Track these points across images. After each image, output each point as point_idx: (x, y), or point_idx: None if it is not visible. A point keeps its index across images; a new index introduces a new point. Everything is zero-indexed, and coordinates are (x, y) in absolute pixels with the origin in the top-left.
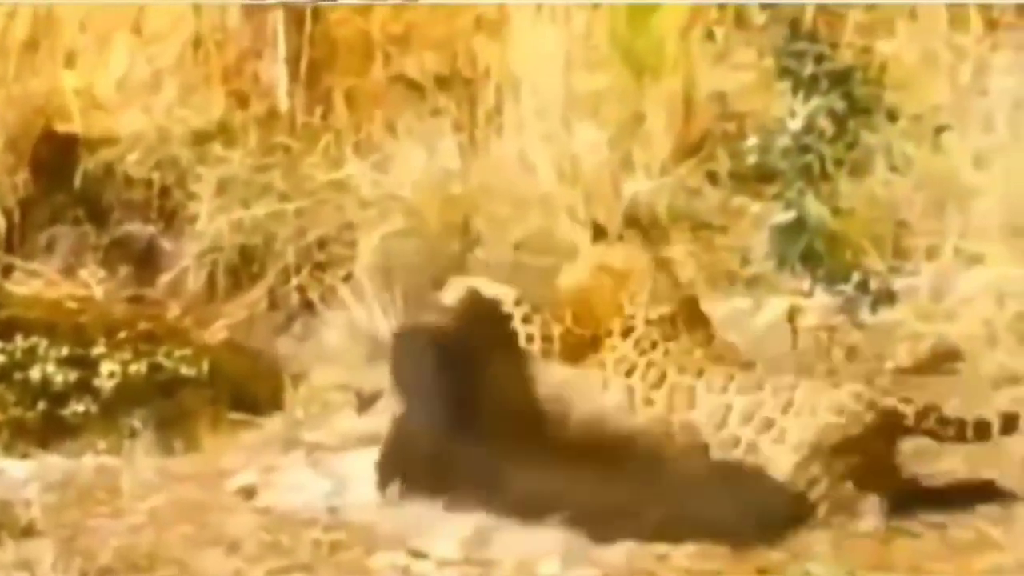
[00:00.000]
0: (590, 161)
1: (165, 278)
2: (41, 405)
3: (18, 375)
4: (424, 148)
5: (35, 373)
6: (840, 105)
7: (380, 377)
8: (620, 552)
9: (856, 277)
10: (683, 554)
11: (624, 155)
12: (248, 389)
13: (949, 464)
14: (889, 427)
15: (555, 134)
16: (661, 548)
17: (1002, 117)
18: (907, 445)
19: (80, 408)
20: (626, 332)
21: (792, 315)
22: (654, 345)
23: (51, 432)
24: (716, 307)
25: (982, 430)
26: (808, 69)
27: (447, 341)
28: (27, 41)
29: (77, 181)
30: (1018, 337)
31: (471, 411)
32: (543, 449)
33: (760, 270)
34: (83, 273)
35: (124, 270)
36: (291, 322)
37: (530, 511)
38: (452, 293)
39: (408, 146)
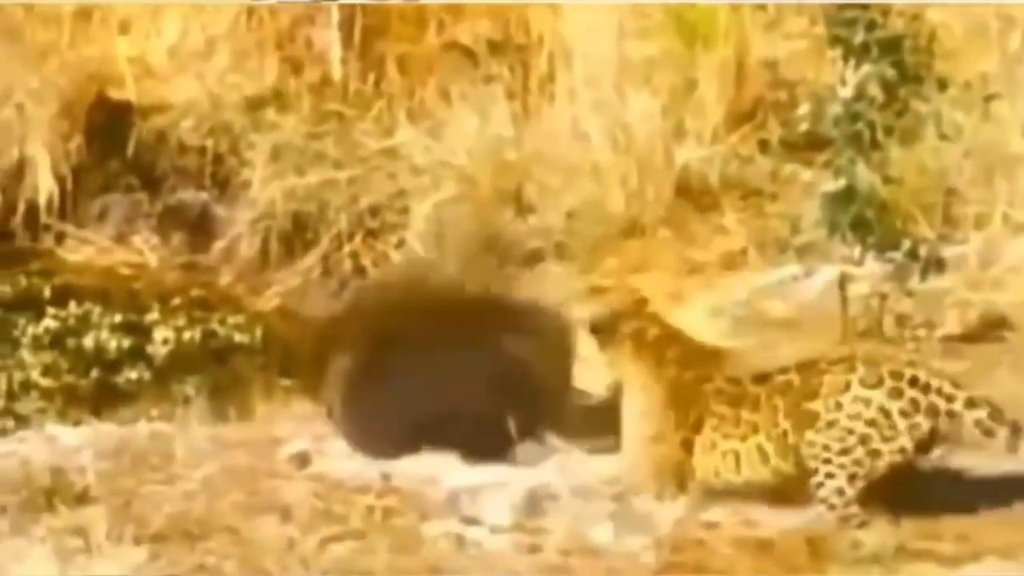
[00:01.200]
0: (642, 129)
1: (218, 245)
2: (95, 372)
3: (71, 342)
4: (477, 115)
5: (88, 340)
6: (890, 73)
7: None
8: (669, 519)
9: (906, 245)
10: (734, 522)
11: (676, 123)
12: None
13: None
14: None
15: (607, 102)
16: (711, 516)
17: None
18: None
19: (133, 375)
20: None
21: (843, 282)
22: None
23: (104, 399)
24: (767, 274)
25: None
26: (859, 37)
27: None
28: (81, 9)
29: (130, 148)
30: None
31: None
32: None
33: (811, 238)
34: (136, 240)
35: (177, 237)
36: (344, 289)
37: None
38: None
39: (461, 113)
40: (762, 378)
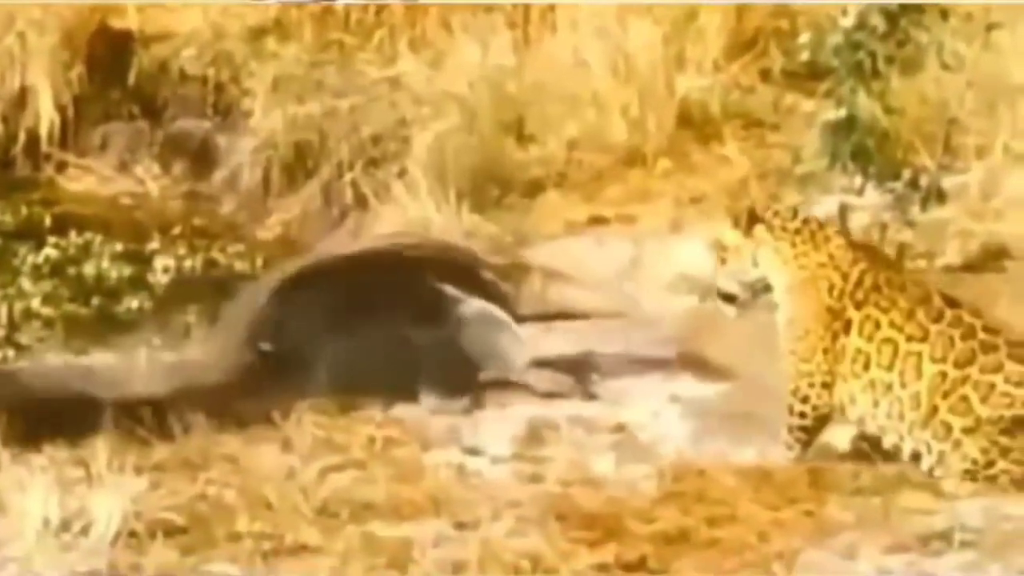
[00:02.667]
0: (643, 58)
1: (219, 174)
2: (95, 301)
3: (72, 270)
4: (478, 45)
5: (89, 269)
6: (892, 2)
7: None
8: (670, 451)
9: (906, 175)
10: (741, 457)
11: (677, 52)
12: None
13: None
14: None
15: (609, 31)
16: (716, 446)
17: None
18: None
19: (135, 304)
20: None
21: (843, 212)
22: None
23: (106, 328)
24: (768, 205)
25: None
26: None
27: None
28: None
29: (132, 77)
30: None
31: None
32: None
33: (812, 168)
34: (138, 169)
35: (179, 166)
36: (344, 218)
37: None
38: None
39: (462, 42)
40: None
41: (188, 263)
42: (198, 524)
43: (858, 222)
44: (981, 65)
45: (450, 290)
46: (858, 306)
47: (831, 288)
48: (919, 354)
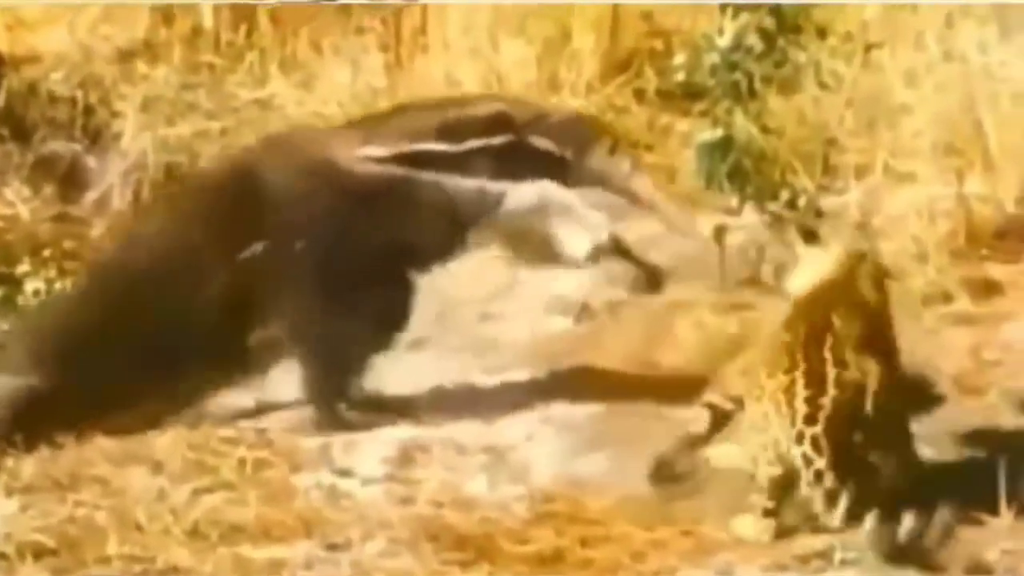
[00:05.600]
0: (517, 79)
1: (90, 196)
2: None
3: None
4: (349, 66)
5: None
6: (769, 22)
7: None
8: (545, 474)
9: (784, 195)
10: (607, 473)
11: (551, 73)
12: None
13: None
14: None
15: (481, 52)
16: (590, 467)
17: (933, 34)
18: None
19: (5, 326)
20: None
21: (719, 233)
22: None
23: None
24: (642, 225)
25: None
26: None
27: None
28: None
29: (1, 99)
30: (948, 255)
31: None
32: None
33: (687, 188)
34: (7, 192)
35: (49, 188)
36: None
37: None
38: None
39: (333, 64)
40: None
41: (58, 285)
42: (68, 546)
43: (735, 241)
44: (861, 84)
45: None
46: None
47: None
48: None
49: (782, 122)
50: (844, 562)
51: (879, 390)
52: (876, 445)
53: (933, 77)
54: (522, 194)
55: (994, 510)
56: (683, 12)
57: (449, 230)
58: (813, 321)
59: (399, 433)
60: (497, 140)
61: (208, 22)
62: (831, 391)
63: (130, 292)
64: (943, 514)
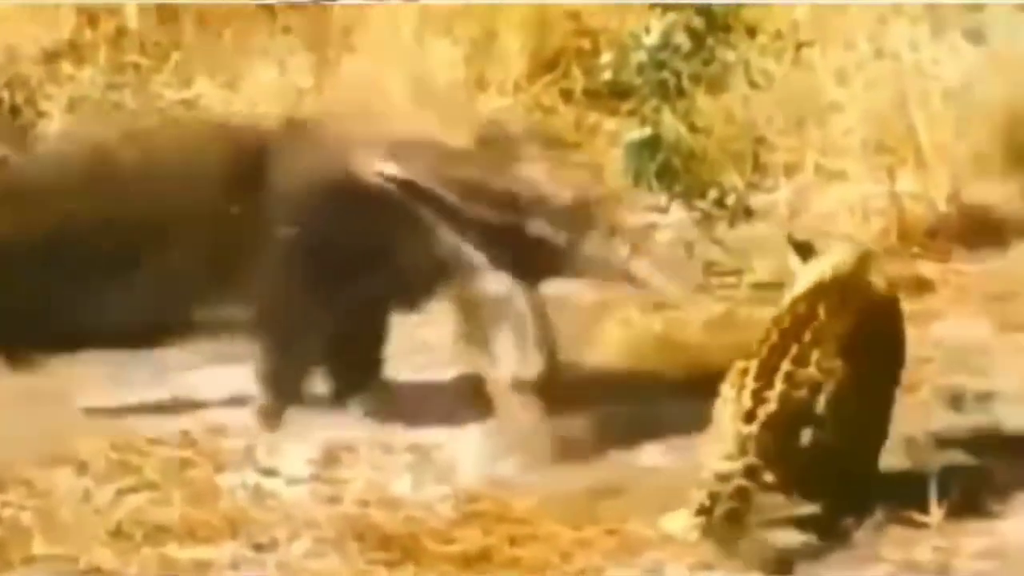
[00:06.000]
0: (444, 79)
1: None
2: None
3: None
4: (276, 66)
5: None
6: (697, 21)
7: None
8: (470, 474)
9: (713, 193)
10: (541, 477)
11: (478, 73)
12: None
13: None
14: None
15: (408, 52)
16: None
17: (864, 32)
18: None
19: None
20: None
21: (648, 231)
22: None
23: None
24: None
25: None
26: None
27: None
28: None
29: None
30: (881, 252)
31: None
32: None
33: (615, 187)
34: None
35: None
36: None
37: None
38: None
39: (259, 64)
40: None
41: None
42: None
43: (663, 239)
44: (791, 83)
45: None
46: None
47: None
48: None
49: (711, 121)
50: None
51: (840, 391)
52: (824, 446)
53: (864, 75)
54: (496, 282)
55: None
56: (611, 11)
57: (426, 276)
58: (797, 314)
59: (324, 433)
60: (499, 218)
61: (133, 23)
62: (778, 386)
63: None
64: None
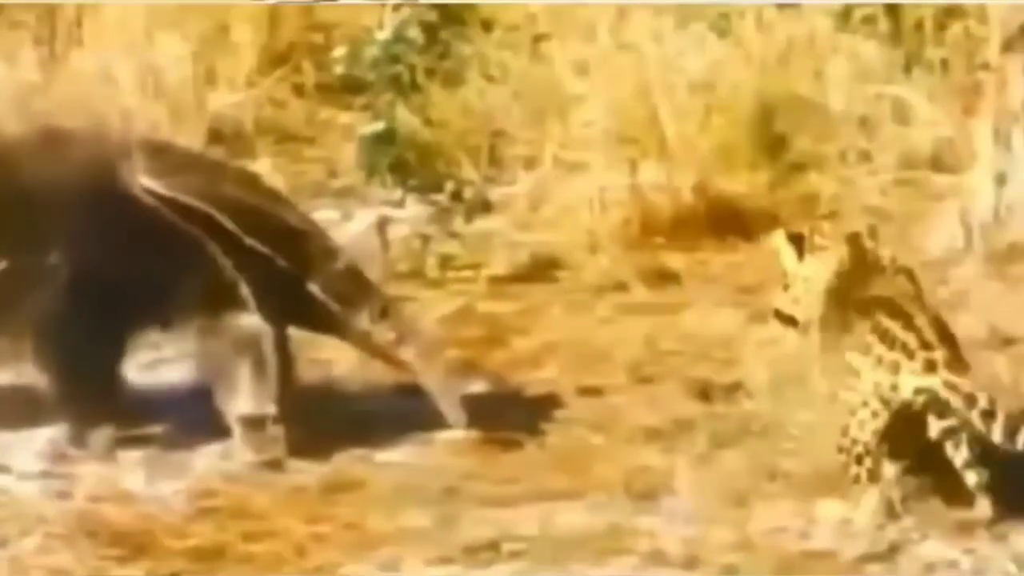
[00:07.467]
0: (173, 74)
1: None
2: None
3: None
4: (4, 61)
5: None
6: (431, 15)
7: None
8: (202, 463)
9: (450, 187)
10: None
11: (208, 68)
12: None
13: None
14: None
15: (137, 47)
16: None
17: (605, 25)
18: None
19: None
20: None
21: (382, 225)
22: None
23: None
24: None
25: None
26: None
27: None
28: None
29: None
30: (622, 245)
31: None
32: None
33: (349, 181)
34: None
35: None
36: None
37: None
38: None
39: None
40: None
41: None
42: None
43: (398, 234)
44: (529, 76)
45: None
46: None
47: None
48: None
49: (446, 114)
50: (513, 553)
51: None
52: None
53: (606, 68)
54: (249, 318)
55: None
56: (345, 6)
57: (193, 300)
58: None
59: (54, 428)
60: (279, 262)
61: None
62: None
63: None
64: None
